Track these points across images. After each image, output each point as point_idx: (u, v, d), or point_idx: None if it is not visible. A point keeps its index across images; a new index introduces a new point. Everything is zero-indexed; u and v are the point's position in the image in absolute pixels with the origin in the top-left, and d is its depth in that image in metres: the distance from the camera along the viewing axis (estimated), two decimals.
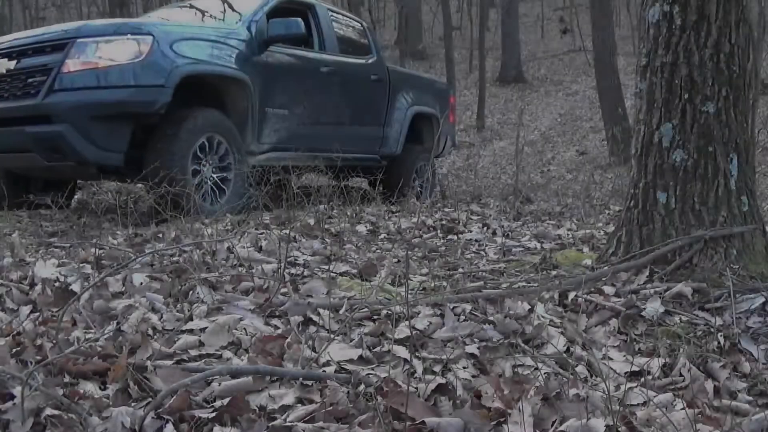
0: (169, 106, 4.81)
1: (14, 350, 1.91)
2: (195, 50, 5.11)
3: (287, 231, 3.41)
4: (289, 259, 3.02)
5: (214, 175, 5.12)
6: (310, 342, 2.04)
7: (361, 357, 1.96)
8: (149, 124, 4.88)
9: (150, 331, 2.10)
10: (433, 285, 2.82)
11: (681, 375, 2.00)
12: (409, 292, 2.54)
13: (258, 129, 5.64)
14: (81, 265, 2.86)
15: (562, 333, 2.26)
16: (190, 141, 4.93)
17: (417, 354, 2.00)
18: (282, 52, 5.91)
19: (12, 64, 4.72)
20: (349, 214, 4.86)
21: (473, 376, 1.89)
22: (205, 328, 2.10)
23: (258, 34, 5.65)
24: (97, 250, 3.02)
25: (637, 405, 1.76)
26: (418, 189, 7.36)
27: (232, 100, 5.48)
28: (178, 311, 2.32)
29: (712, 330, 2.32)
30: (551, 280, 2.82)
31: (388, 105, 7.26)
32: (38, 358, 1.84)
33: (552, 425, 1.61)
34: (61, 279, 2.68)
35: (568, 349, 2.16)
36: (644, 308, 2.48)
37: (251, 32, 5.63)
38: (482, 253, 3.72)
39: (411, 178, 7.32)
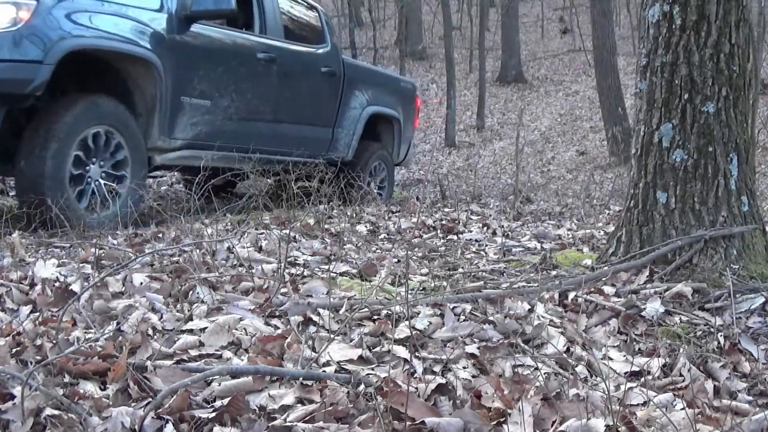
0: (58, 89, 4.09)
1: (14, 350, 1.91)
2: (93, 21, 4.22)
3: (287, 231, 3.41)
4: (289, 259, 3.02)
5: (103, 179, 4.33)
6: (310, 342, 2.04)
7: (361, 357, 1.96)
8: (30, 108, 4.10)
9: (150, 331, 2.10)
10: (433, 285, 2.82)
11: (681, 375, 2.00)
12: (409, 292, 2.53)
13: (169, 122, 4.73)
14: (81, 265, 2.86)
15: (562, 333, 2.26)
16: (71, 135, 4.07)
17: (417, 354, 2.00)
18: (209, 31, 4.99)
19: None
20: (349, 214, 4.86)
21: (473, 376, 1.89)
22: (205, 328, 2.10)
23: (180, 8, 4.74)
24: (97, 250, 3.02)
25: (637, 405, 1.76)
26: (374, 191, 6.49)
27: (138, 86, 4.59)
28: (178, 311, 2.32)
29: (712, 330, 2.32)
30: (551, 280, 2.82)
31: (339, 103, 6.30)
32: (38, 358, 1.84)
33: (552, 425, 1.61)
34: (61, 279, 2.68)
35: (568, 349, 2.16)
36: (644, 308, 2.48)
37: (170, 5, 4.71)
38: (482, 253, 3.72)
39: (366, 180, 6.40)
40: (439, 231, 4.39)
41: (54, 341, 1.94)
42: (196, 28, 4.86)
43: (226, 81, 5.15)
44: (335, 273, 2.92)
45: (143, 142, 4.58)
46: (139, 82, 4.59)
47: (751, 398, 1.92)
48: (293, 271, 2.94)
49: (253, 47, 5.46)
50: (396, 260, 3.30)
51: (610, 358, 2.11)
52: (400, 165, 7.70)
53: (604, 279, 2.80)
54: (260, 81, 5.46)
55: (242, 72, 5.30)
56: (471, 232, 4.36)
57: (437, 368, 1.94)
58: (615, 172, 10.88)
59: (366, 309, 2.32)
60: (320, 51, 6.24)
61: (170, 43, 4.67)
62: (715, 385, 1.95)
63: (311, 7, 6.46)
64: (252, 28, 5.62)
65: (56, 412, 1.55)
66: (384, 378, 1.75)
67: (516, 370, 1.97)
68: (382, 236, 4.14)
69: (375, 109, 6.72)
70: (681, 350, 2.16)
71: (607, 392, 1.67)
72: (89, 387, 1.72)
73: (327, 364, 1.90)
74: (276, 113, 5.70)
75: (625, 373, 2.01)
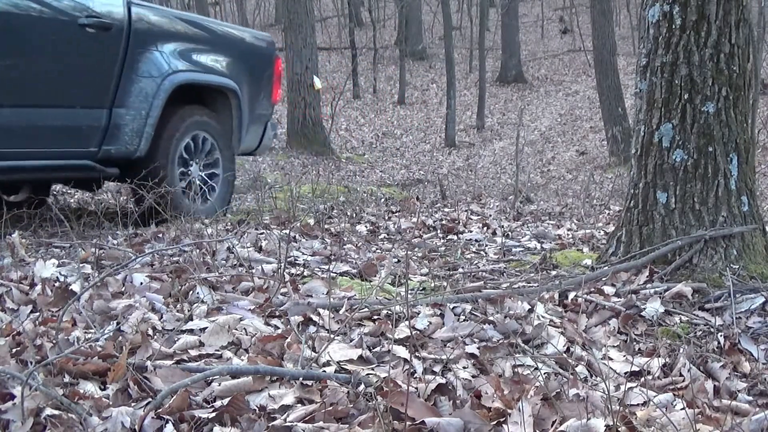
0: None
1: (14, 350, 1.91)
2: None
3: (287, 231, 3.41)
4: (289, 259, 3.02)
5: None
6: (310, 342, 2.04)
7: (361, 357, 1.96)
8: None
9: (150, 331, 2.10)
10: (433, 285, 2.82)
11: (681, 375, 2.00)
12: (409, 292, 2.54)
13: None
14: (81, 265, 2.86)
15: (562, 333, 2.26)
16: None
17: (417, 354, 2.00)
18: None
19: None
20: (349, 214, 4.86)
21: (473, 376, 1.89)
22: (205, 328, 2.10)
23: None
24: (97, 250, 3.02)
25: (637, 405, 1.76)
26: (198, 195, 4.74)
27: None
28: (178, 311, 2.32)
29: (712, 330, 2.33)
30: (551, 280, 2.82)
31: (121, 70, 4.28)
32: (38, 358, 1.84)
33: (552, 425, 1.61)
34: (61, 279, 2.68)
35: (568, 349, 2.16)
36: (644, 308, 2.48)
37: None
38: (482, 253, 3.72)
39: (174, 181, 4.57)
40: (439, 231, 4.39)
41: (54, 341, 1.94)
42: None
43: None
44: (335, 273, 2.92)
45: None
46: None
47: (751, 398, 1.92)
48: (293, 271, 2.94)
49: None
50: (396, 260, 3.30)
51: (610, 358, 2.11)
52: (254, 154, 5.88)
53: (604, 279, 2.80)
54: None
55: None
56: (471, 232, 4.36)
57: (437, 368, 1.94)
58: (615, 172, 10.88)
59: (366, 309, 2.32)
60: None
61: None
62: (715, 385, 1.95)
63: None
64: None
65: (56, 412, 1.55)
66: (384, 378, 1.75)
67: (516, 370, 1.97)
68: (382, 236, 4.13)
69: (187, 78, 4.66)
70: (681, 350, 2.16)
71: (607, 392, 1.67)
72: (89, 387, 1.72)
73: (327, 364, 1.90)
74: None
75: (625, 373, 2.01)
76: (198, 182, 4.77)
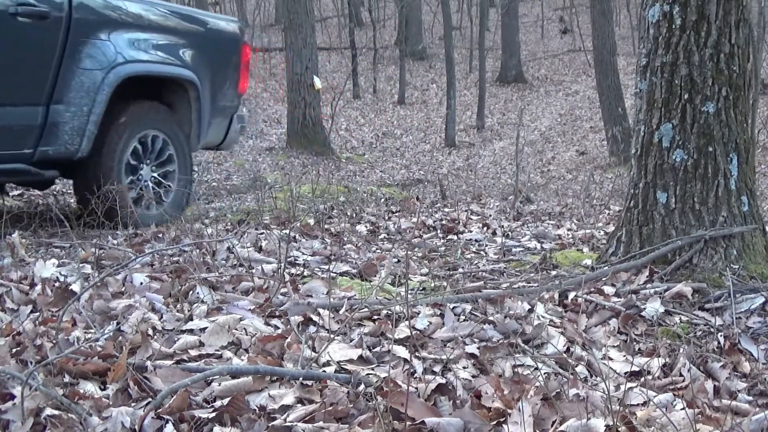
0: None
1: (14, 350, 1.91)
2: None
3: (287, 231, 3.41)
4: (289, 259, 3.02)
5: None
6: (310, 342, 2.04)
7: (361, 357, 1.97)
8: None
9: (150, 331, 2.10)
10: (433, 285, 2.82)
11: (681, 375, 2.00)
12: (409, 292, 2.54)
13: None
14: (81, 265, 2.86)
15: (562, 333, 2.26)
16: None
17: (417, 354, 2.00)
18: None
19: None
20: (349, 214, 4.86)
21: (473, 376, 1.89)
22: (205, 328, 2.10)
23: None
24: (97, 250, 3.02)
25: (637, 405, 1.76)
26: (150, 200, 4.41)
27: None
28: (178, 311, 2.32)
29: (712, 330, 2.33)
30: (551, 280, 2.82)
31: (59, 63, 3.92)
32: (38, 358, 1.84)
33: (552, 425, 1.61)
34: (61, 279, 2.68)
35: (568, 349, 2.16)
36: (644, 308, 2.48)
37: None
38: (482, 253, 3.72)
39: (120, 183, 4.20)
40: (439, 231, 4.39)
41: (54, 341, 1.94)
42: None
43: None
44: (335, 273, 2.92)
45: None
46: None
47: (751, 398, 1.92)
48: (293, 271, 2.94)
49: None
50: (396, 260, 3.30)
51: (610, 358, 2.11)
52: (220, 149, 5.47)
53: (604, 279, 2.80)
54: None
55: None
56: (471, 232, 4.36)
57: (437, 368, 1.94)
58: (615, 172, 10.88)
59: (366, 309, 2.32)
60: None
61: None
62: (715, 385, 1.95)
63: None
64: None
65: (56, 412, 1.55)
66: (384, 378, 1.75)
67: (516, 370, 1.97)
68: (382, 236, 4.13)
69: (136, 69, 4.30)
70: (681, 350, 2.16)
71: (607, 392, 1.67)
72: (89, 387, 1.72)
73: (327, 364, 1.90)
74: None
75: (625, 373, 2.01)
76: (151, 184, 4.45)
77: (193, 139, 4.81)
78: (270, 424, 1.57)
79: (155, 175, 4.54)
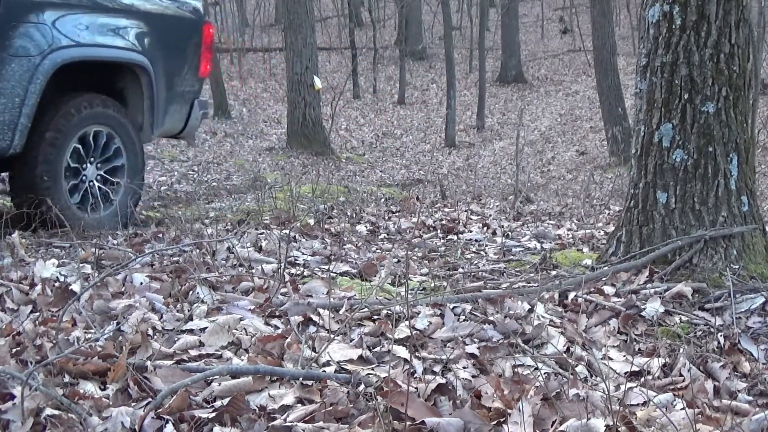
0: None
1: (14, 350, 1.91)
2: None
3: (287, 231, 3.41)
4: (289, 259, 3.02)
5: None
6: (310, 342, 2.04)
7: (361, 357, 1.97)
8: None
9: (150, 331, 2.10)
10: (433, 285, 2.82)
11: (681, 375, 2.00)
12: (409, 292, 2.54)
13: None
14: (81, 265, 2.86)
15: (562, 333, 2.26)
16: None
17: (417, 354, 2.00)
18: None
19: None
20: (349, 214, 4.86)
21: (473, 376, 1.89)
22: (205, 328, 2.10)
23: None
24: (97, 250, 3.02)
25: (637, 405, 1.77)
26: (97, 201, 4.13)
27: None
28: (178, 311, 2.32)
29: (712, 330, 2.33)
30: (551, 280, 2.82)
31: None
32: (38, 358, 1.84)
33: (552, 425, 1.61)
34: (61, 279, 2.68)
35: (568, 349, 2.16)
36: (644, 308, 2.48)
37: None
38: (482, 253, 3.72)
39: (57, 185, 3.88)
40: (439, 231, 4.39)
41: (54, 341, 1.94)
42: None
43: None
44: (335, 273, 2.92)
45: None
46: None
47: (751, 398, 1.92)
48: (293, 271, 2.94)
49: None
50: (396, 260, 3.30)
51: (610, 358, 2.11)
52: (181, 137, 5.01)
53: (604, 279, 2.80)
54: None
55: None
56: (471, 232, 4.36)
57: (437, 368, 1.94)
58: (615, 172, 10.88)
59: (366, 309, 2.32)
60: None
61: None
62: (715, 385, 1.95)
63: None
64: None
65: (56, 412, 1.55)
66: (384, 378, 1.75)
67: (516, 370, 1.97)
68: (382, 236, 4.13)
69: (75, 54, 3.90)
70: (681, 350, 2.16)
71: (607, 392, 1.67)
72: (89, 387, 1.72)
73: (327, 364, 1.90)
74: None
75: (625, 373, 2.01)
76: (96, 184, 4.12)
77: (146, 129, 4.45)
78: (270, 424, 1.57)
79: (101, 173, 4.20)
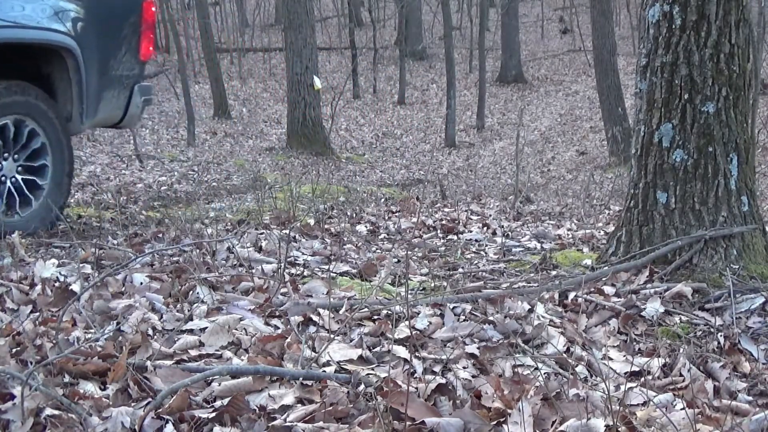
0: None
1: (14, 350, 1.91)
2: None
3: (287, 231, 3.41)
4: (289, 259, 3.02)
5: None
6: (310, 342, 2.04)
7: (361, 357, 1.97)
8: None
9: (150, 331, 2.10)
10: (433, 285, 2.82)
11: (681, 375, 2.00)
12: (409, 292, 2.54)
13: None
14: (81, 265, 2.86)
15: (562, 333, 2.26)
16: None
17: (417, 354, 2.00)
18: None
19: None
20: (349, 214, 4.86)
21: (473, 376, 1.89)
22: (205, 328, 2.10)
23: None
24: (97, 250, 3.02)
25: (637, 405, 1.77)
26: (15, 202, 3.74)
27: None
28: (178, 311, 2.32)
29: (712, 330, 2.33)
30: (551, 280, 2.82)
31: None
32: (38, 358, 1.84)
33: (552, 425, 1.61)
34: (61, 279, 2.68)
35: (568, 349, 2.16)
36: (644, 308, 2.48)
37: None
38: (482, 253, 3.72)
39: None
40: (439, 231, 4.39)
41: (54, 341, 1.94)
42: None
43: None
44: (335, 273, 2.92)
45: None
46: None
47: (751, 398, 1.92)
48: (293, 271, 2.94)
49: None
50: (396, 260, 3.30)
51: (610, 358, 2.11)
52: (121, 126, 4.49)
53: (604, 279, 2.80)
54: None
55: None
56: (471, 232, 4.36)
57: (437, 368, 1.94)
58: (615, 172, 10.88)
59: (366, 309, 2.32)
60: None
61: None
62: (715, 385, 1.95)
63: None
64: None
65: (56, 412, 1.55)
66: (384, 378, 1.75)
67: (516, 370, 1.97)
68: (382, 236, 4.13)
69: None
70: (681, 350, 2.16)
71: (607, 392, 1.67)
72: (89, 387, 1.72)
73: (327, 364, 1.90)
74: None
75: (625, 373, 2.01)
76: (11, 182, 3.72)
77: (76, 119, 3.94)
78: (270, 424, 1.57)
79: (20, 171, 3.77)
